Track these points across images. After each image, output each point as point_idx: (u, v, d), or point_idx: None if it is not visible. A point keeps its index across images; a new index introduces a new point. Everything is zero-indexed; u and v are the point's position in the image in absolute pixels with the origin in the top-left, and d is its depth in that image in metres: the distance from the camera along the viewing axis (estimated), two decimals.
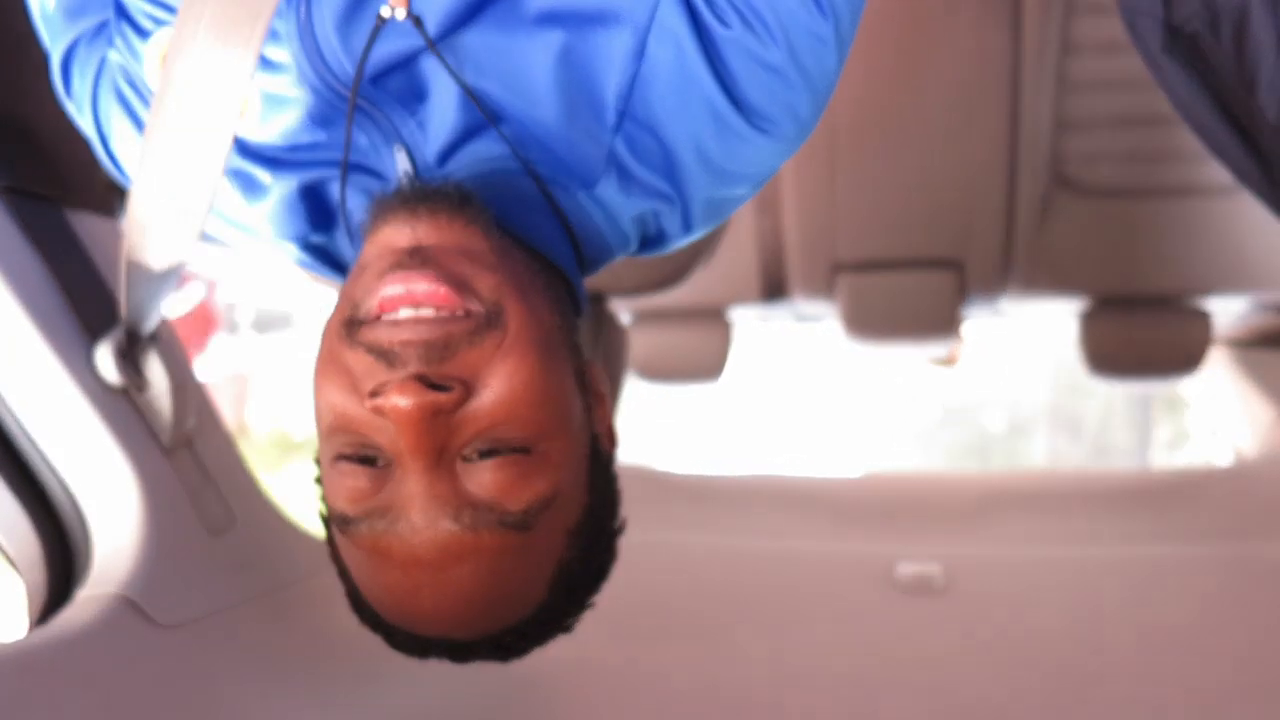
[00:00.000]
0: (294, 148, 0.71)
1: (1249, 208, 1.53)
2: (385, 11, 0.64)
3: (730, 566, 1.86)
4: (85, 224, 1.12)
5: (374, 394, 0.55)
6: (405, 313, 0.56)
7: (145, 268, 0.80)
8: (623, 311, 2.35)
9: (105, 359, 1.05)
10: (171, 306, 0.93)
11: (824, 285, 2.34)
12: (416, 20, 0.64)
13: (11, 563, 1.09)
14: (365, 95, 0.67)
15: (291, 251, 0.80)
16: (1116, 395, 5.45)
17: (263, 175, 0.74)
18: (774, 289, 2.41)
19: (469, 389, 0.57)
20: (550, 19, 0.65)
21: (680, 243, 0.77)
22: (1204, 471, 2.32)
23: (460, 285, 0.57)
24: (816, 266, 2.30)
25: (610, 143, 0.68)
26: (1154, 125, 1.97)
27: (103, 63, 0.79)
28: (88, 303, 1.09)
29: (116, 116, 0.79)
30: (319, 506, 0.65)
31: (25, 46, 0.95)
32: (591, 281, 1.28)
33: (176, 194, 0.74)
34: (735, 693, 1.41)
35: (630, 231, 0.73)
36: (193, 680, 1.03)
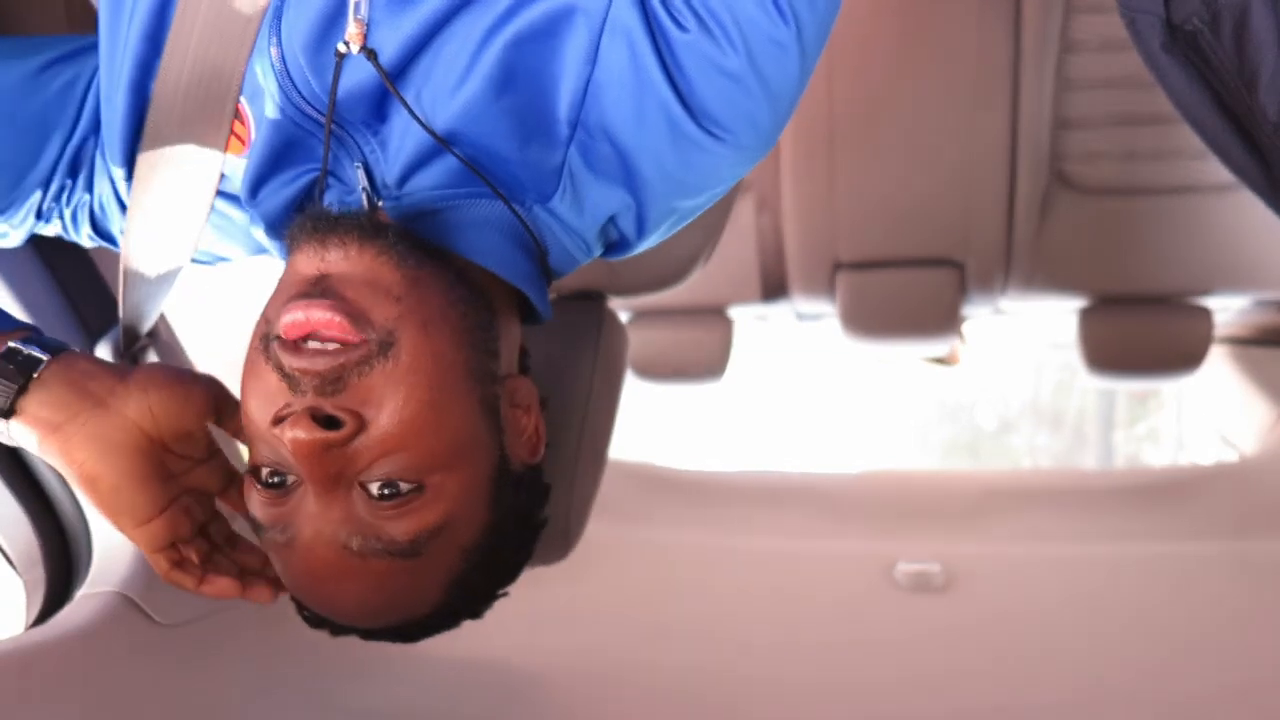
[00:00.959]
0: (272, 171, 0.73)
1: (1249, 206, 1.53)
2: (342, 47, 0.65)
3: (730, 564, 1.86)
4: None
5: (277, 420, 0.59)
6: (313, 344, 0.59)
7: (143, 273, 0.81)
8: (621, 311, 2.36)
9: (105, 358, 1.05)
10: (169, 306, 0.93)
11: (824, 284, 2.33)
12: (371, 54, 0.65)
13: (11, 561, 1.09)
14: (334, 117, 0.69)
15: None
16: (1093, 393, 5.58)
17: (254, 212, 0.76)
18: (774, 288, 2.41)
19: (360, 421, 0.59)
20: (502, 40, 0.64)
21: (639, 248, 0.76)
22: (1204, 470, 2.32)
23: (355, 316, 0.59)
24: (816, 265, 2.30)
25: (564, 156, 0.68)
26: (1154, 124, 1.97)
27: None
28: (87, 302, 1.09)
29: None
30: None
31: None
32: (590, 281, 1.28)
33: (173, 208, 0.76)
34: (735, 691, 1.41)
35: (593, 241, 0.74)
36: (192, 680, 1.03)
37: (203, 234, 0.81)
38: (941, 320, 2.30)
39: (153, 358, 1.08)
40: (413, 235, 0.65)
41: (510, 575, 0.72)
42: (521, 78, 0.65)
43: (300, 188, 0.73)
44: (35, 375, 0.67)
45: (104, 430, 0.68)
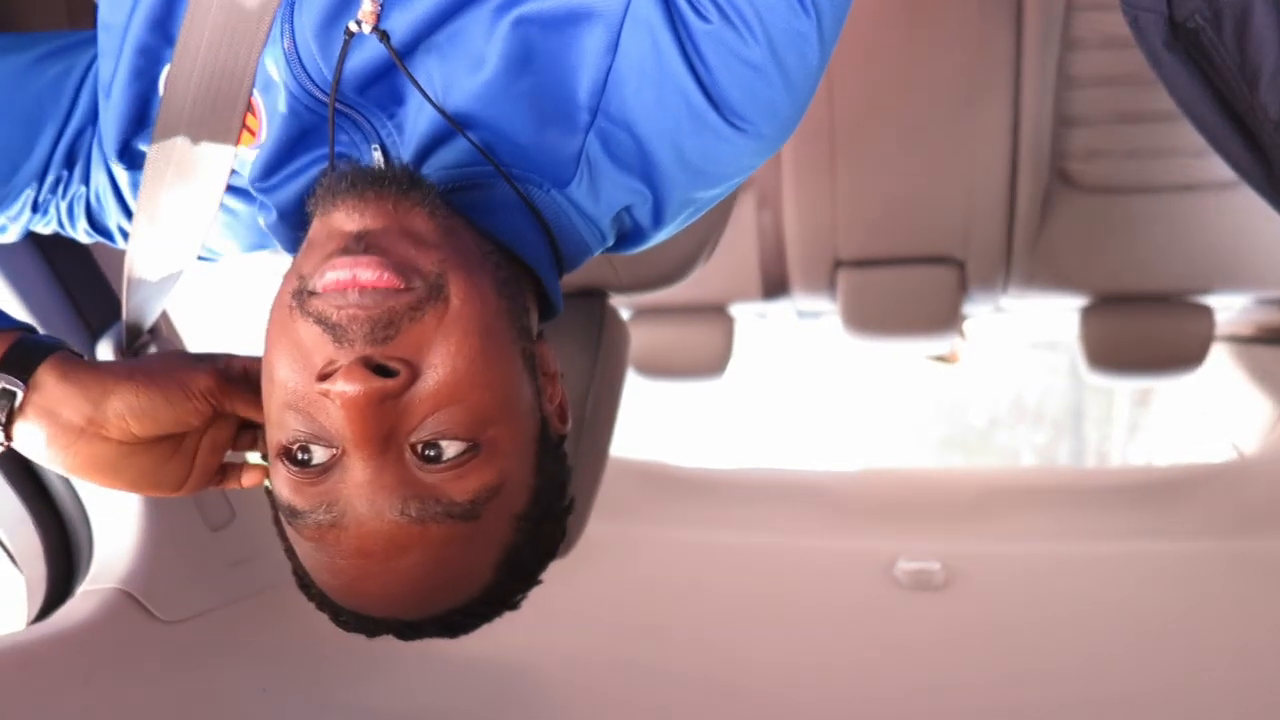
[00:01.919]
0: (285, 159, 0.73)
1: (1250, 204, 1.53)
2: (353, 26, 0.65)
3: (731, 562, 1.86)
4: None
5: (322, 376, 0.55)
6: (352, 295, 0.56)
7: (149, 271, 0.81)
8: (622, 308, 2.35)
9: (106, 355, 1.05)
10: (171, 303, 0.93)
11: (825, 282, 2.33)
12: (383, 35, 0.65)
13: (12, 557, 1.10)
14: (348, 100, 0.69)
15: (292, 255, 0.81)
16: (1075, 390, 5.76)
17: (268, 200, 0.75)
18: (775, 286, 2.41)
19: (414, 370, 0.57)
20: (518, 23, 0.65)
21: (654, 240, 0.76)
22: (1204, 468, 2.32)
23: (403, 268, 0.57)
24: (817, 263, 2.30)
25: (583, 142, 0.68)
26: (1155, 122, 1.96)
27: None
28: (88, 299, 1.09)
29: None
30: (267, 483, 0.66)
31: None
32: (592, 278, 1.28)
33: (182, 207, 0.75)
34: (735, 689, 1.41)
35: (607, 229, 0.73)
36: (193, 676, 1.03)
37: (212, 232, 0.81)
38: (942, 318, 2.30)
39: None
40: (440, 188, 0.63)
41: (549, 555, 0.68)
42: (539, 62, 0.65)
43: (313, 176, 0.72)
44: (16, 406, 0.64)
45: (99, 453, 0.66)
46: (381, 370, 0.55)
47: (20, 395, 0.65)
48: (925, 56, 1.93)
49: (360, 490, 0.57)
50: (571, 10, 0.64)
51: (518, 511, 0.62)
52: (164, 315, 1.07)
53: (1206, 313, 2.25)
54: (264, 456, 0.66)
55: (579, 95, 0.66)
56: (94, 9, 0.78)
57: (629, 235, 0.75)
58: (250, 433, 0.73)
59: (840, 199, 2.16)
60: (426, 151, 0.69)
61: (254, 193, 0.75)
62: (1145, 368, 2.33)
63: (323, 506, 0.58)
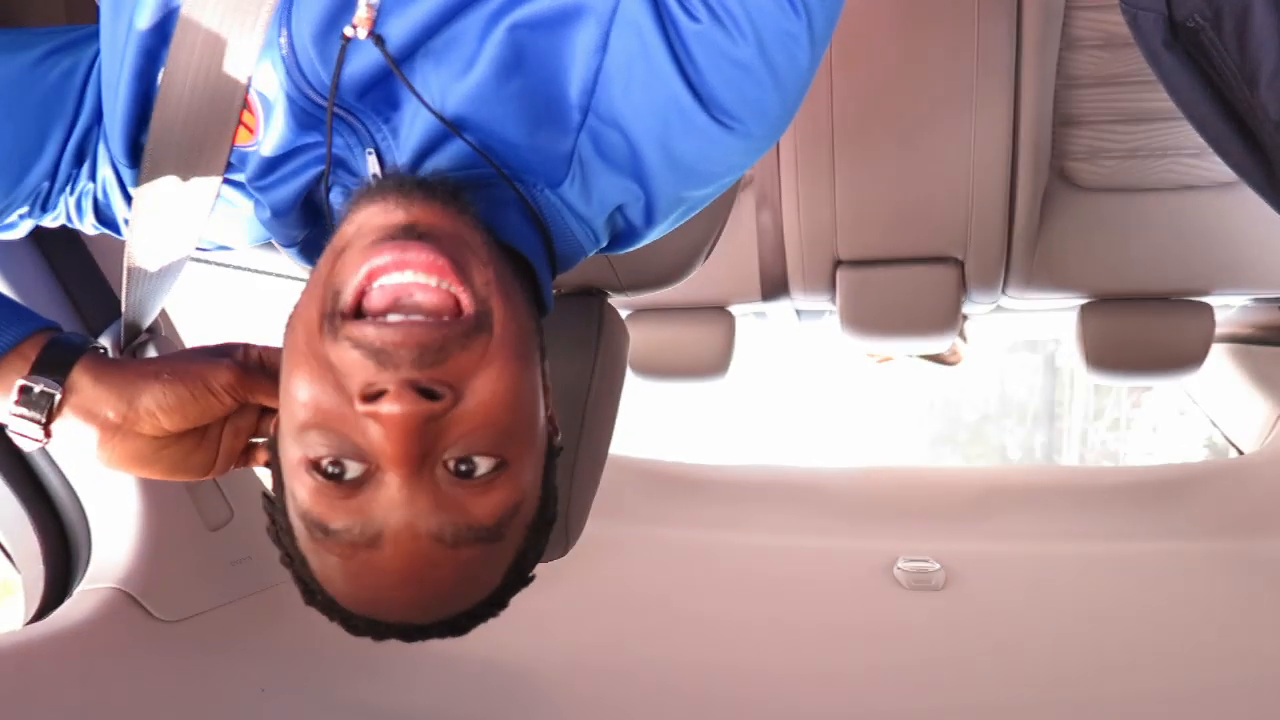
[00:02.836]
0: (281, 159, 0.73)
1: (1250, 204, 1.53)
2: (349, 31, 0.65)
3: (730, 560, 1.86)
4: None
5: (367, 398, 0.55)
6: (394, 317, 0.56)
7: (147, 268, 0.81)
8: (621, 309, 2.35)
9: None
10: (171, 302, 0.93)
11: (824, 281, 2.33)
12: (379, 40, 0.65)
13: (10, 557, 1.09)
14: (346, 104, 0.69)
15: (289, 251, 0.81)
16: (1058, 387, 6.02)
17: (262, 198, 0.76)
18: (774, 285, 2.41)
19: (457, 395, 0.57)
20: (512, 28, 0.65)
21: (647, 239, 0.77)
22: (1204, 468, 2.32)
23: (460, 265, 0.57)
24: (817, 263, 2.30)
25: (574, 142, 0.68)
26: (1155, 121, 1.96)
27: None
28: (87, 297, 1.09)
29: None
30: (274, 492, 0.66)
31: None
32: (591, 278, 1.28)
33: (179, 203, 0.75)
34: (734, 686, 1.41)
35: (601, 230, 0.74)
36: (192, 675, 1.03)
37: (207, 222, 0.81)
38: (942, 318, 2.30)
39: (151, 353, 1.08)
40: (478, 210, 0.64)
41: (539, 556, 0.69)
42: (530, 63, 0.66)
43: (310, 178, 0.73)
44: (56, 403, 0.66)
45: (133, 448, 0.68)
46: (427, 393, 0.56)
47: (58, 396, 0.66)
48: (925, 56, 1.93)
49: (395, 507, 0.58)
50: (563, 10, 0.64)
51: (529, 522, 0.64)
52: (163, 314, 1.07)
53: (1206, 312, 2.25)
54: (271, 443, 0.67)
55: (570, 95, 0.67)
56: (93, 6, 0.78)
57: (622, 235, 0.76)
58: (272, 415, 0.73)
59: (840, 198, 2.16)
60: (423, 155, 0.69)
61: (250, 189, 0.76)
62: (1145, 368, 2.33)
63: (357, 525, 0.58)
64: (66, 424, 0.67)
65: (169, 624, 1.04)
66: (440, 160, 0.69)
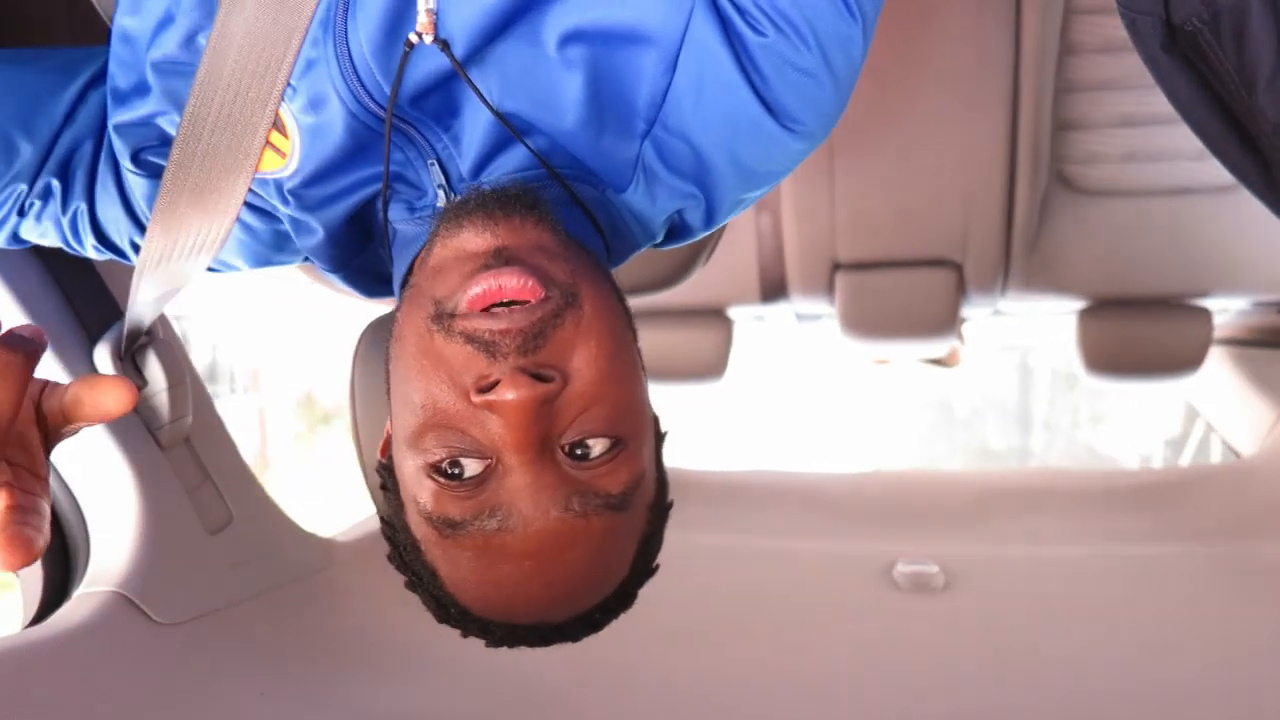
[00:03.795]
0: (336, 176, 0.73)
1: (1249, 208, 1.53)
2: (413, 37, 0.66)
3: (729, 564, 1.86)
4: None
5: (481, 389, 0.58)
6: (500, 314, 0.59)
7: (158, 282, 0.80)
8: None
9: (104, 358, 1.05)
10: (171, 308, 0.93)
11: (823, 285, 2.33)
12: (444, 44, 0.65)
13: None
14: (403, 114, 0.69)
15: (334, 275, 0.82)
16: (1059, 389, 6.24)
17: (311, 220, 0.76)
18: (773, 289, 2.41)
19: (565, 376, 0.59)
20: (577, 36, 0.66)
21: (701, 235, 0.80)
22: (1203, 471, 2.32)
23: (542, 277, 0.60)
24: (816, 266, 2.30)
25: (639, 149, 0.70)
26: (1154, 125, 1.97)
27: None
28: (87, 303, 1.09)
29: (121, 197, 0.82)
30: (387, 507, 0.67)
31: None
32: None
33: (198, 223, 0.75)
34: (733, 692, 1.41)
35: (659, 230, 0.77)
36: (190, 678, 1.03)
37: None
38: (940, 321, 2.30)
39: (152, 356, 1.08)
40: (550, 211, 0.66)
41: (659, 547, 0.71)
42: (597, 71, 0.67)
43: (364, 195, 0.73)
44: None
45: None
46: (537, 377, 0.58)
47: None
48: (924, 60, 1.93)
49: (523, 493, 0.60)
50: (631, 30, 0.66)
51: (649, 501, 0.66)
52: (162, 317, 1.07)
53: (1205, 316, 2.26)
54: (383, 486, 0.66)
55: (637, 106, 0.69)
56: (95, 25, 0.78)
57: (676, 231, 0.79)
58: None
59: (839, 202, 2.16)
60: (486, 159, 0.70)
61: (288, 213, 0.75)
62: (1143, 371, 2.33)
63: (485, 513, 0.60)
64: None
65: (167, 627, 1.04)
66: (505, 163, 0.70)
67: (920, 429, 6.84)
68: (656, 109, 0.68)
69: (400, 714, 1.20)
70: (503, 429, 0.58)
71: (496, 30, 0.66)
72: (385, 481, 0.67)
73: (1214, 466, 2.39)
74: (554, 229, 0.64)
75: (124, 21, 0.74)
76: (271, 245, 0.82)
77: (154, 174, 0.78)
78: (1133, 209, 2.10)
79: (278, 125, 0.72)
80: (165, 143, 0.77)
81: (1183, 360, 2.28)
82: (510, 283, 0.58)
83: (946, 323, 2.31)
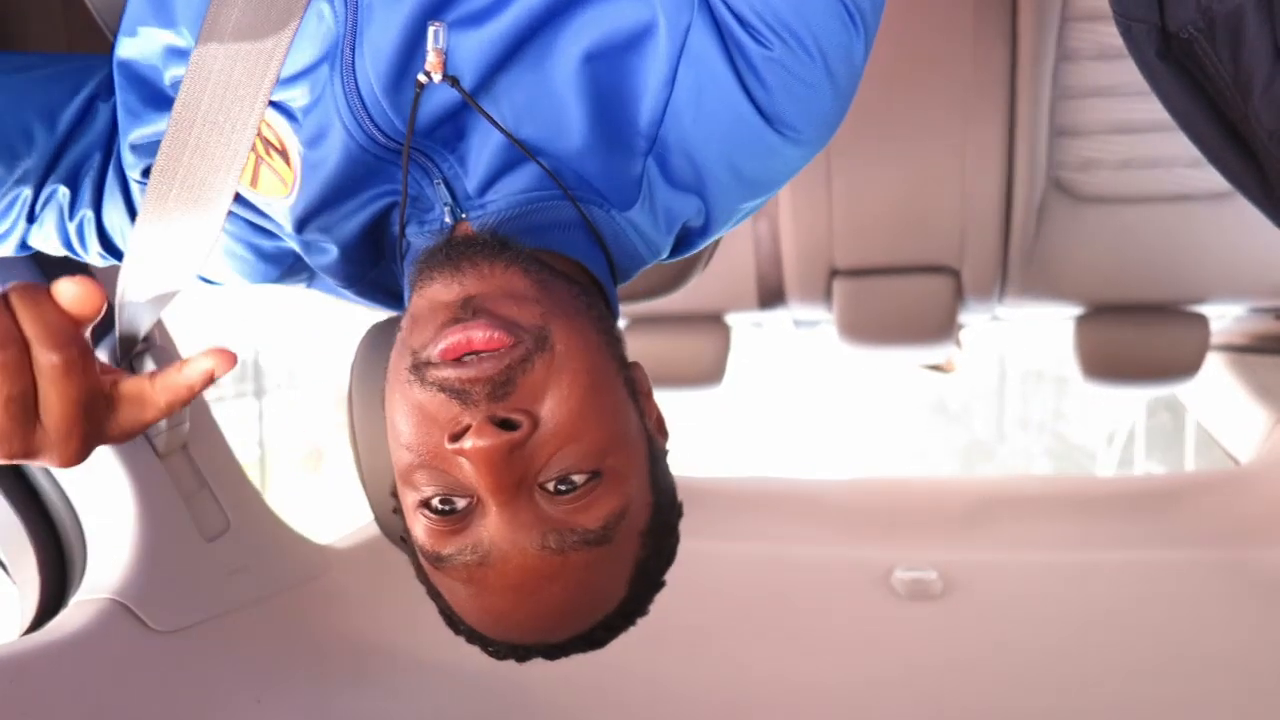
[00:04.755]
0: (342, 201, 0.74)
1: (1245, 214, 1.54)
2: (423, 78, 0.67)
3: (728, 570, 1.86)
4: None
5: (454, 438, 0.59)
6: (468, 362, 0.60)
7: (142, 292, 0.80)
8: (619, 318, 2.33)
9: None
10: (166, 314, 0.93)
11: (821, 291, 2.34)
12: (453, 80, 0.67)
13: (5, 568, 1.09)
14: (415, 143, 0.71)
15: (348, 291, 0.83)
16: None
17: (324, 240, 0.77)
18: (771, 295, 2.42)
19: (534, 419, 0.61)
20: (583, 58, 0.67)
21: (701, 246, 0.80)
22: (1200, 477, 2.32)
23: (510, 326, 0.61)
24: (813, 273, 2.30)
25: (643, 166, 0.71)
26: (1150, 132, 1.97)
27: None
28: None
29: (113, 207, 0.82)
30: (405, 533, 0.69)
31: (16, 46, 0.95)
32: None
33: (181, 231, 0.75)
34: (731, 697, 1.41)
35: (664, 244, 0.77)
36: (188, 686, 1.03)
37: (214, 261, 0.81)
38: (938, 327, 2.31)
39: (149, 363, 1.08)
40: (527, 246, 0.67)
41: (670, 561, 0.72)
42: (604, 91, 0.68)
43: (375, 210, 0.75)
44: None
45: None
46: (506, 424, 0.59)
47: None
48: (921, 67, 1.94)
49: (500, 531, 0.61)
50: (633, 34, 0.67)
51: (642, 528, 0.66)
52: (159, 323, 1.07)
53: (1202, 322, 2.26)
54: (396, 510, 0.67)
55: (639, 123, 0.69)
56: (95, 32, 0.78)
57: (679, 244, 0.79)
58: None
59: (836, 208, 2.17)
60: (493, 179, 0.71)
61: (298, 237, 0.76)
62: (1141, 377, 2.34)
63: (468, 548, 0.62)
64: None
65: (164, 635, 1.04)
66: (512, 183, 0.71)
67: (915, 428, 6.96)
68: (656, 125, 0.69)
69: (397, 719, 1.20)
70: (474, 474, 0.60)
71: (503, 60, 0.67)
72: (397, 505, 0.68)
73: (1211, 473, 2.39)
74: (525, 269, 0.64)
75: (136, 43, 0.75)
76: (276, 265, 0.83)
77: None
78: (1130, 215, 2.11)
79: (282, 152, 0.73)
80: None
81: (1180, 366, 2.28)
82: (477, 335, 0.60)
83: (944, 329, 2.31)
